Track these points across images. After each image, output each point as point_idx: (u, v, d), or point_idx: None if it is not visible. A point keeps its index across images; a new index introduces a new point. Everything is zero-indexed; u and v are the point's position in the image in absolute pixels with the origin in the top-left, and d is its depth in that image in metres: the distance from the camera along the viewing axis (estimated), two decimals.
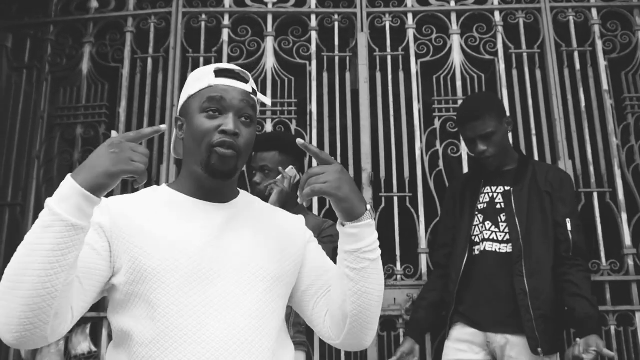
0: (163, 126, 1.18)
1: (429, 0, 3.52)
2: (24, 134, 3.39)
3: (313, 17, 3.48)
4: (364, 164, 3.21)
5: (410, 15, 3.49)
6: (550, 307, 2.32)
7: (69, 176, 1.08)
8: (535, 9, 3.47)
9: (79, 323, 3.00)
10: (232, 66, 1.36)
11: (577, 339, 2.26)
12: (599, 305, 2.97)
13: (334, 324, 1.32)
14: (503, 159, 2.50)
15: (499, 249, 2.38)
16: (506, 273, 2.33)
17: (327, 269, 1.40)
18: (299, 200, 1.22)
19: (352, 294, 1.25)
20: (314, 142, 3.27)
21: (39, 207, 3.17)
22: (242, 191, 1.43)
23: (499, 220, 2.42)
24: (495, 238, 2.41)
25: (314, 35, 3.45)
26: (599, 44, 3.43)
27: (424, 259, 3.11)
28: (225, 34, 3.44)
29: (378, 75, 3.39)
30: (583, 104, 3.34)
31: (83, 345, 3.06)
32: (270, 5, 3.50)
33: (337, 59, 3.43)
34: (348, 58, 3.44)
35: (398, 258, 3.11)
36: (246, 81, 1.34)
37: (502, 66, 3.40)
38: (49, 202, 1.07)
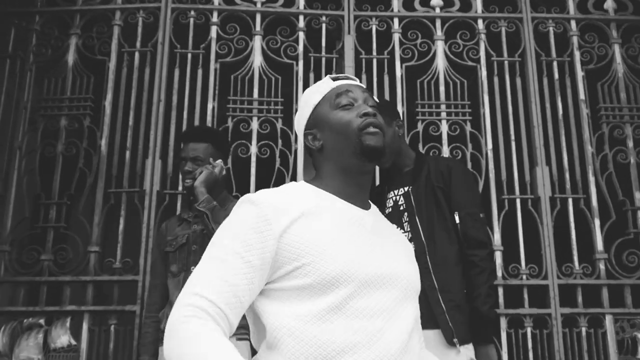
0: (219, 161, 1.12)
1: (415, 5, 3.69)
2: (6, 124, 3.42)
3: (301, 17, 3.61)
4: None
5: (396, 20, 3.65)
6: (462, 297, 2.33)
7: None
8: (517, 18, 3.67)
9: (58, 316, 3.09)
10: (344, 74, 1.49)
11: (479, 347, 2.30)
12: (573, 308, 3.21)
13: None
14: (396, 159, 2.54)
15: None
16: None
17: None
18: None
19: None
20: (300, 142, 3.40)
21: (20, 198, 3.26)
22: (371, 202, 1.47)
23: (403, 221, 2.46)
24: None
25: (301, 35, 3.58)
26: (577, 54, 3.64)
27: None
28: (214, 31, 3.55)
29: (363, 77, 3.53)
30: (560, 112, 3.55)
31: (63, 338, 3.12)
32: (259, 5, 3.62)
33: (323, 60, 3.57)
34: (334, 59, 3.58)
35: None
36: (358, 81, 1.45)
37: (484, 73, 3.58)
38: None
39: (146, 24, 3.56)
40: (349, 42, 3.55)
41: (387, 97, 3.50)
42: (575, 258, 3.31)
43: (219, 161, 2.64)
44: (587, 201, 3.41)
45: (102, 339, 3.07)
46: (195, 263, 2.53)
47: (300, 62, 3.53)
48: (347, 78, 1.44)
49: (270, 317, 1.20)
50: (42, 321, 3.09)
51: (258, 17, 3.59)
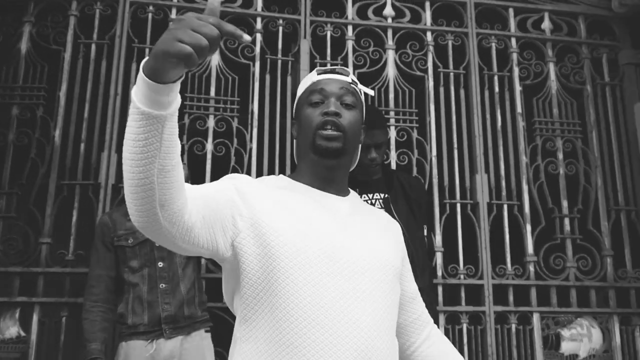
0: (247, 37, 1.05)
1: (368, 14, 3.94)
2: None
3: (259, 19, 3.79)
4: None
5: (350, 27, 3.89)
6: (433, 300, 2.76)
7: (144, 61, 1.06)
8: (463, 33, 3.99)
9: (8, 307, 3.16)
10: (334, 66, 1.57)
11: None
12: (505, 306, 3.56)
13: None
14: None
15: None
16: None
17: (416, 296, 1.58)
18: None
19: None
20: (254, 140, 3.59)
21: None
22: (351, 190, 1.53)
23: None
24: None
25: (258, 37, 3.76)
26: (516, 70, 4.00)
27: None
28: None
29: None
30: (499, 123, 3.89)
31: (12, 330, 3.19)
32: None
33: (279, 62, 3.77)
34: (290, 62, 3.79)
35: None
36: (346, 75, 1.47)
37: (431, 83, 3.88)
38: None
39: (103, 16, 3.64)
40: (305, 46, 3.77)
41: None
42: (508, 260, 3.67)
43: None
44: (520, 208, 3.77)
45: (52, 331, 3.17)
46: (162, 258, 2.69)
47: (257, 63, 3.71)
48: (333, 72, 1.47)
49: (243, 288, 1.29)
50: None
51: None
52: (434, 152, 3.75)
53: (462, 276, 3.58)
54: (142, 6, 3.68)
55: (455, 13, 4.05)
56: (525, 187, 3.81)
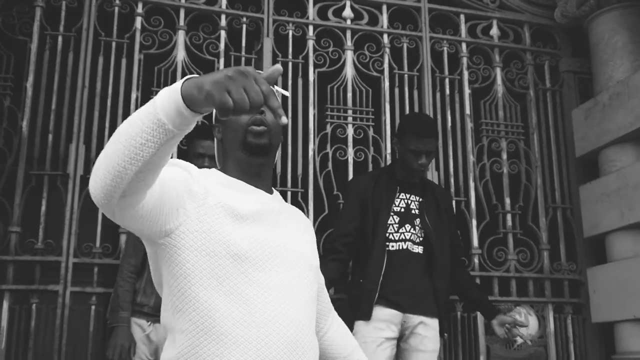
0: (279, 67, 1.19)
1: (328, 15, 4.23)
2: None
3: (223, 16, 4.02)
4: None
5: (311, 27, 4.17)
6: (447, 301, 3.20)
7: (188, 76, 1.17)
8: (417, 36, 4.34)
9: None
10: None
11: (495, 321, 3.25)
12: (452, 296, 3.95)
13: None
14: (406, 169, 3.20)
15: (413, 248, 3.07)
16: (419, 269, 3.06)
17: (324, 286, 1.78)
18: None
19: None
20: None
21: None
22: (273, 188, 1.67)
23: (415, 224, 3.10)
24: (412, 239, 3.08)
25: (222, 34, 4.00)
26: (466, 74, 4.37)
27: None
28: (139, 22, 3.86)
29: (280, 78, 4.04)
30: (449, 124, 4.27)
31: None
32: (182, 0, 4.01)
33: (243, 59, 4.01)
34: (253, 60, 4.05)
35: None
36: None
37: (386, 84, 4.21)
38: (163, 90, 1.17)
39: (70, 8, 3.79)
40: (267, 44, 4.03)
41: (299, 99, 4.03)
42: None
43: None
44: (467, 203, 4.16)
45: (23, 318, 3.36)
46: None
47: (222, 60, 3.95)
48: None
49: (173, 281, 1.41)
50: None
51: (182, 12, 3.95)
52: (389, 150, 4.08)
53: None
54: (109, 0, 3.86)
55: (410, 17, 4.39)
56: (472, 185, 4.19)
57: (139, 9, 3.89)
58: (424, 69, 4.28)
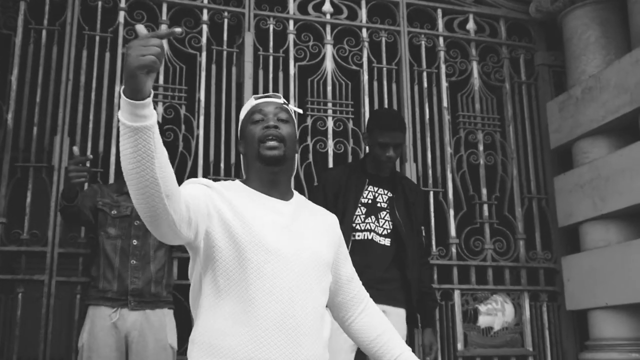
0: (178, 29, 1.42)
1: (309, 10, 4.38)
2: None
3: (205, 11, 4.16)
4: None
5: (291, 22, 4.32)
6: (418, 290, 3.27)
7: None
8: (395, 31, 4.50)
9: None
10: (269, 93, 1.98)
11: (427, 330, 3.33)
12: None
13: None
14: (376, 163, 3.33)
15: (379, 240, 3.20)
16: (384, 260, 3.18)
17: (352, 278, 1.97)
18: None
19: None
20: (201, 127, 3.99)
21: None
22: (295, 192, 1.89)
23: (380, 217, 3.22)
24: (376, 230, 3.21)
25: (204, 28, 4.13)
26: (443, 67, 4.55)
27: None
28: (122, 16, 3.99)
29: (260, 73, 4.17)
30: (427, 116, 4.43)
31: None
32: None
33: (225, 53, 4.16)
34: (235, 54, 4.19)
35: None
36: (279, 98, 1.87)
37: (365, 77, 4.37)
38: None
39: (54, 2, 3.90)
40: (249, 38, 4.18)
41: (281, 92, 4.17)
42: (433, 242, 4.22)
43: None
44: (444, 194, 4.32)
45: (9, 307, 3.48)
46: (137, 237, 3.07)
47: (204, 54, 4.09)
48: (268, 96, 1.86)
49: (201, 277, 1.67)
50: None
51: (164, 7, 4.08)
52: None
53: None
54: None
55: (388, 12, 4.55)
56: (449, 176, 4.36)
57: (122, 4, 4.02)
58: (402, 63, 4.45)
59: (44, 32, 3.86)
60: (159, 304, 3.10)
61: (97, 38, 3.93)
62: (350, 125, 4.25)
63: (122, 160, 1.39)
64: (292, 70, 4.24)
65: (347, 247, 3.13)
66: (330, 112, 4.25)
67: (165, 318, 3.10)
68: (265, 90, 4.15)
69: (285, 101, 1.89)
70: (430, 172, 4.34)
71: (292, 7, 4.35)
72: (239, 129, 1.92)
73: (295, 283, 1.65)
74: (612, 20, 4.29)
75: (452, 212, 4.31)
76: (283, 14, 4.32)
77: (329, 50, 4.35)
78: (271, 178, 1.78)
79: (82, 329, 3.07)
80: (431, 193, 4.30)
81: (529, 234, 4.46)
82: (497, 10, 4.76)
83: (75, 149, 2.95)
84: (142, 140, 1.34)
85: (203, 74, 4.07)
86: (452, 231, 4.28)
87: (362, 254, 3.12)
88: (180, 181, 1.56)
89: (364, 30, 4.46)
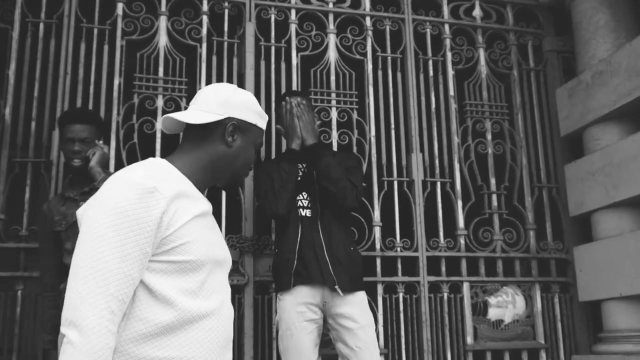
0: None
1: None
2: None
3: (205, 1, 4.10)
4: None
5: (293, 11, 4.26)
6: (343, 255, 3.19)
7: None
8: (399, 19, 4.43)
9: None
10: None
11: None
12: (438, 276, 4.05)
13: None
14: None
15: (306, 214, 3.25)
16: (310, 232, 3.20)
17: None
18: None
19: None
20: None
21: None
22: None
23: (302, 190, 3.29)
24: (302, 205, 3.26)
25: (204, 19, 4.08)
26: (449, 55, 4.48)
27: None
28: (120, 8, 3.94)
29: (262, 63, 4.13)
30: (433, 106, 4.36)
31: None
32: None
33: (226, 44, 4.10)
34: (236, 45, 4.14)
35: None
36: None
37: (369, 66, 4.31)
38: None
39: None
40: (250, 29, 4.12)
41: (283, 84, 4.12)
42: (441, 234, 4.16)
43: (102, 142, 3.14)
44: (452, 185, 4.26)
45: (8, 304, 3.45)
46: None
47: (204, 45, 4.04)
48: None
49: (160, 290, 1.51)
50: None
51: None
52: (373, 132, 4.18)
53: (398, 249, 4.04)
54: None
55: None
56: (456, 166, 4.29)
57: None
58: (407, 51, 4.38)
59: (41, 26, 3.83)
60: None
61: (95, 31, 3.89)
62: (355, 115, 4.18)
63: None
64: (294, 60, 4.18)
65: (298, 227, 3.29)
66: (334, 102, 4.18)
67: None
68: (268, 82, 4.10)
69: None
70: (437, 162, 4.27)
71: None
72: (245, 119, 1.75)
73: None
74: (621, 2, 4.21)
75: (460, 203, 4.24)
76: (284, 4, 4.27)
77: (332, 39, 4.29)
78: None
79: None
80: (438, 184, 4.23)
81: (540, 224, 4.38)
82: None
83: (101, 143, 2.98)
84: None
85: (204, 65, 4.01)
86: (461, 222, 4.21)
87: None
88: None
89: (368, 19, 4.39)
